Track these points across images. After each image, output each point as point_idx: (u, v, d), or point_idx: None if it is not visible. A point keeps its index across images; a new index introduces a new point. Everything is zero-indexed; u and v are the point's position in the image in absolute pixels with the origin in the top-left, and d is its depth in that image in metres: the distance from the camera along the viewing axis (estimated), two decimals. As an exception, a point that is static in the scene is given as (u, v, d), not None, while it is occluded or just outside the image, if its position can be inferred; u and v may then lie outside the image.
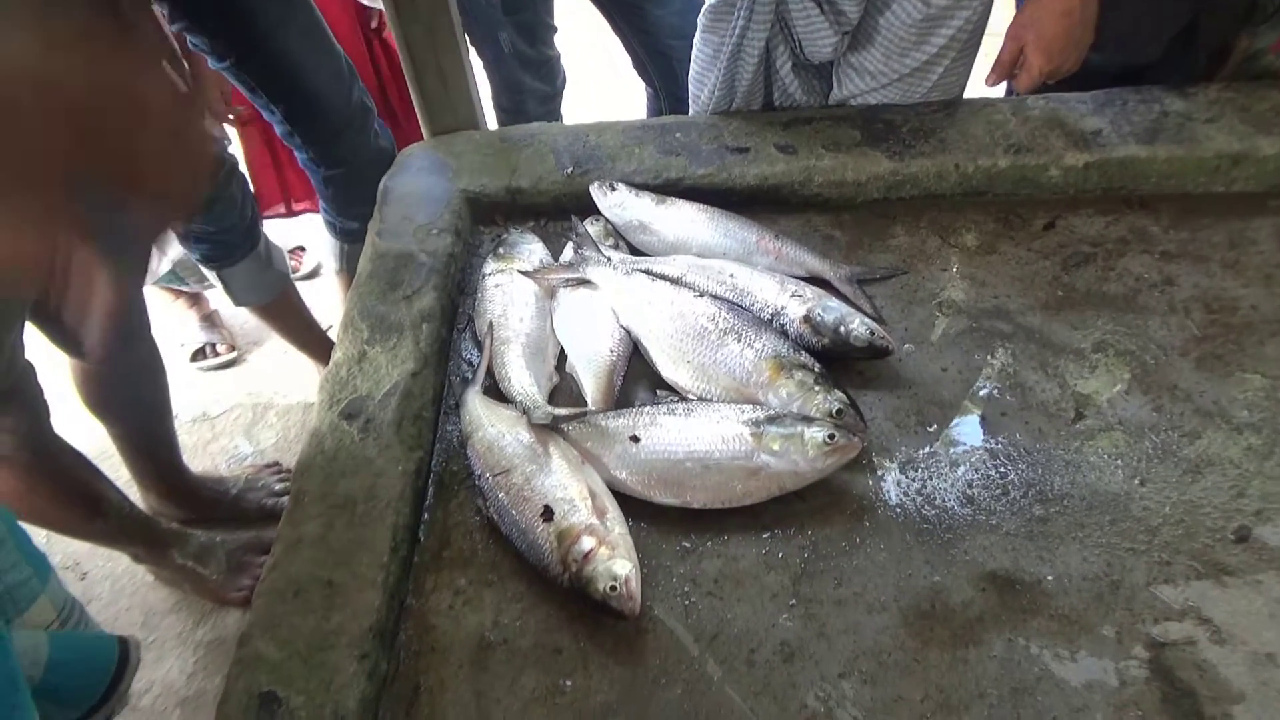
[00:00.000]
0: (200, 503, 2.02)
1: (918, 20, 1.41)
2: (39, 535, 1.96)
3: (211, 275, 1.91)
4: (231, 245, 1.84)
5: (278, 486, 2.08)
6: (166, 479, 1.97)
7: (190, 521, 1.97)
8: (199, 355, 2.60)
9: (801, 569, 1.05)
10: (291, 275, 2.14)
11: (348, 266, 2.02)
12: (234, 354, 2.63)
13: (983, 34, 1.49)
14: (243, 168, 1.94)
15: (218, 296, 2.71)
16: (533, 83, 2.27)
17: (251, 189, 1.92)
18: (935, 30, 1.42)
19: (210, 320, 2.67)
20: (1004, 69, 1.46)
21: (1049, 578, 1.01)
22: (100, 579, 2.00)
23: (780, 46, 1.52)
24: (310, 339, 2.21)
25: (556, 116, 2.44)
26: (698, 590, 1.04)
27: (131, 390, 1.79)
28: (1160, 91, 1.48)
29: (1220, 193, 1.41)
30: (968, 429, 1.16)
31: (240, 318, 2.72)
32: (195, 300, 2.66)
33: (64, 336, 1.59)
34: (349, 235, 1.95)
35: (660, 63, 2.22)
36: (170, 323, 2.53)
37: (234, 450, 2.27)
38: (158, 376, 1.86)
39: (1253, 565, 1.00)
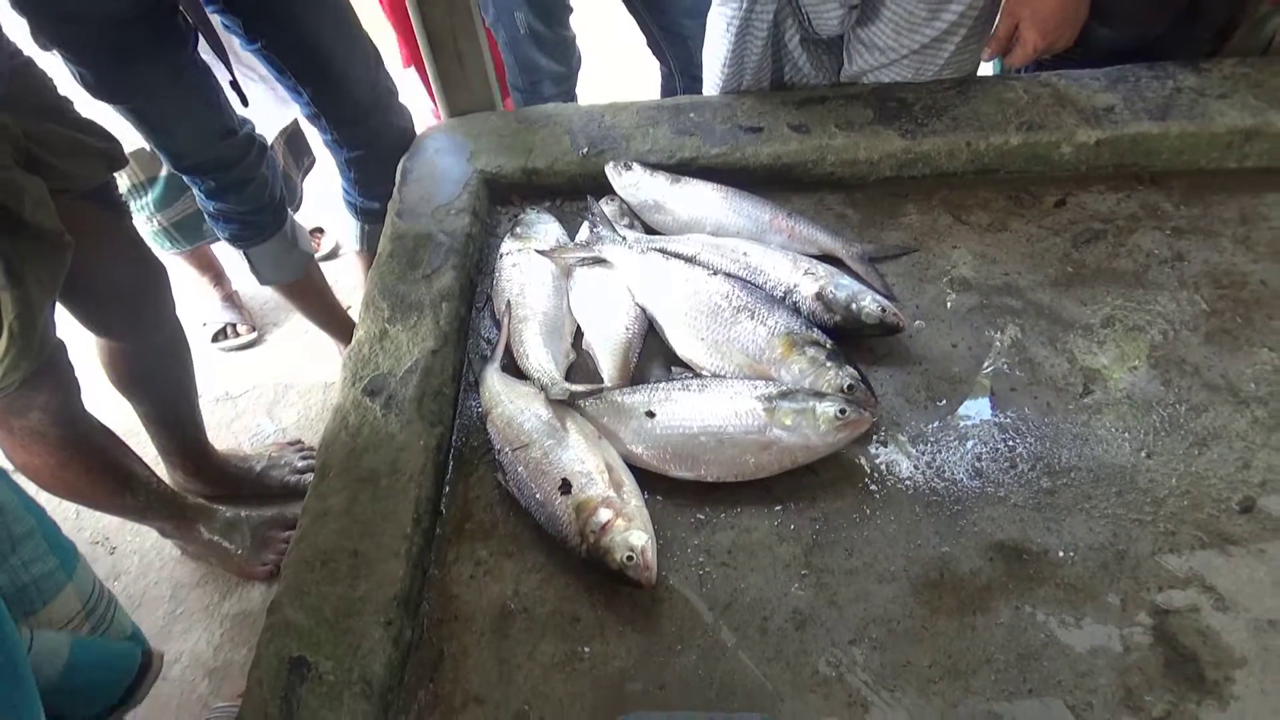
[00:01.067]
0: (225, 479, 2.07)
1: None
2: (69, 510, 2.02)
3: (238, 253, 1.94)
4: (259, 225, 1.87)
5: (300, 464, 2.12)
6: (192, 456, 2.02)
7: (215, 498, 2.01)
8: (220, 336, 2.64)
9: (813, 540, 1.08)
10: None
11: (368, 246, 2.05)
12: (254, 334, 2.67)
13: (997, 12, 1.49)
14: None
15: (239, 275, 2.76)
16: (548, 63, 2.28)
17: (280, 168, 1.94)
18: (946, 6, 1.43)
19: (231, 300, 2.70)
20: (1000, 43, 1.46)
21: (1056, 548, 1.04)
22: (129, 553, 2.05)
23: (789, 21, 1.53)
24: (332, 318, 2.24)
25: (571, 97, 2.45)
26: (712, 561, 1.07)
27: (157, 369, 1.83)
28: (1173, 67, 1.48)
29: (1233, 168, 1.42)
30: (977, 404, 1.18)
31: (261, 298, 2.76)
32: (218, 279, 2.70)
33: (92, 315, 1.63)
34: (369, 215, 1.98)
35: (675, 42, 2.22)
36: (192, 302, 2.56)
37: (256, 428, 2.31)
38: (183, 355, 1.90)
39: (1257, 535, 1.02)
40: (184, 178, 1.78)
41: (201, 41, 1.60)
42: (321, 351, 2.48)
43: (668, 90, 2.48)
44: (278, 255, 1.95)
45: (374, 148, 1.81)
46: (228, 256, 2.66)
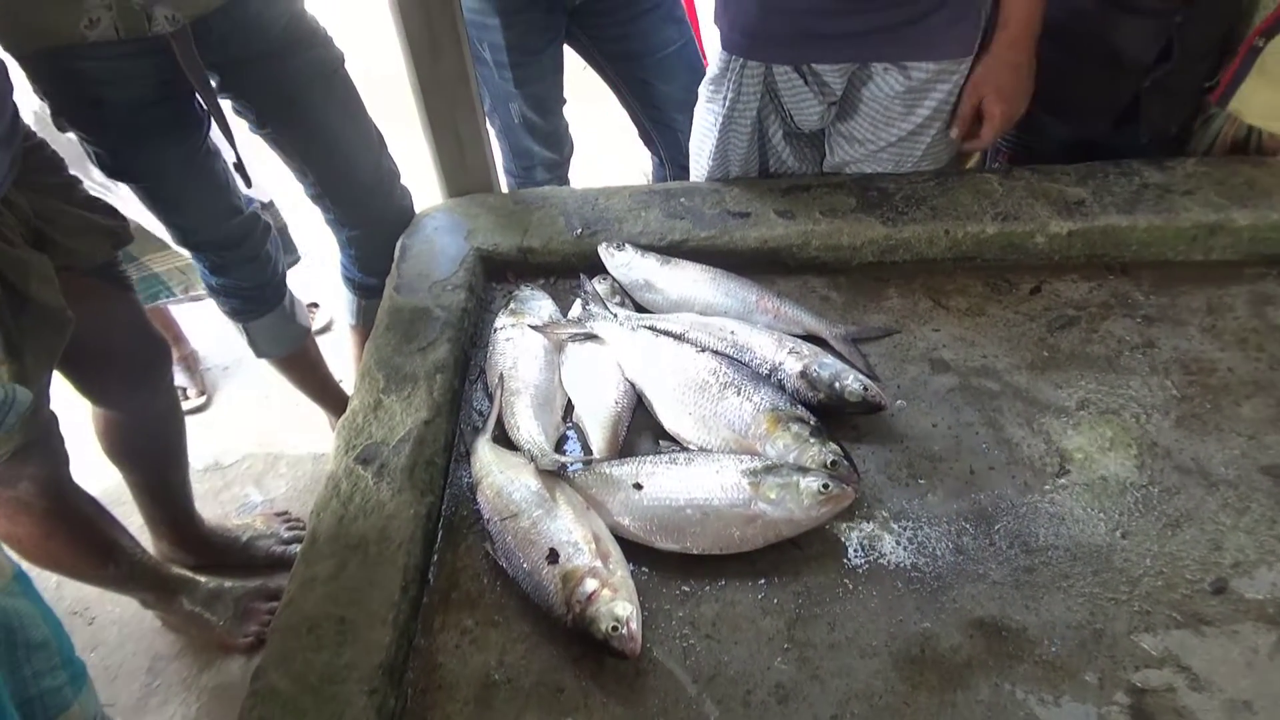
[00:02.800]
0: (210, 549, 2.06)
1: (900, 92, 1.50)
2: (50, 579, 2.00)
3: (237, 327, 1.98)
4: (260, 300, 1.92)
5: (287, 535, 2.12)
6: (179, 526, 2.01)
7: (200, 567, 2.00)
8: None
9: (796, 614, 1.09)
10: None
11: (363, 321, 2.09)
12: (203, 399, 2.69)
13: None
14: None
15: (198, 338, 2.80)
16: (541, 150, 2.37)
17: (282, 245, 2.00)
18: (920, 102, 1.51)
19: (187, 362, 2.72)
20: (966, 122, 1.54)
21: (1034, 625, 1.05)
22: (108, 624, 2.02)
23: (772, 116, 1.61)
24: (325, 390, 2.27)
25: (564, 181, 2.53)
26: (696, 633, 1.08)
27: (151, 438, 1.84)
28: (1139, 164, 1.56)
29: (1199, 260, 1.48)
30: (957, 482, 1.21)
31: (214, 360, 2.80)
32: (176, 340, 2.72)
33: (92, 385, 1.66)
34: (366, 291, 2.03)
35: (665, 134, 2.31)
36: None
37: (244, 499, 2.31)
38: (177, 426, 1.92)
39: (1230, 616, 1.04)
40: (188, 253, 1.83)
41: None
42: (316, 422, 2.49)
43: (660, 178, 2.57)
44: (276, 329, 1.99)
45: (374, 226, 1.87)
46: (187, 319, 2.70)
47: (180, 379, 2.68)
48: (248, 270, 1.86)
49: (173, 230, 1.76)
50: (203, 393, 2.70)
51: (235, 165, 1.73)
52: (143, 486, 1.91)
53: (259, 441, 2.49)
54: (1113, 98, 1.60)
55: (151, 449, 1.86)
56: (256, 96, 1.66)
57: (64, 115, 1.52)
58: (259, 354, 2.06)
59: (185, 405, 2.62)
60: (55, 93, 1.48)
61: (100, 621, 2.03)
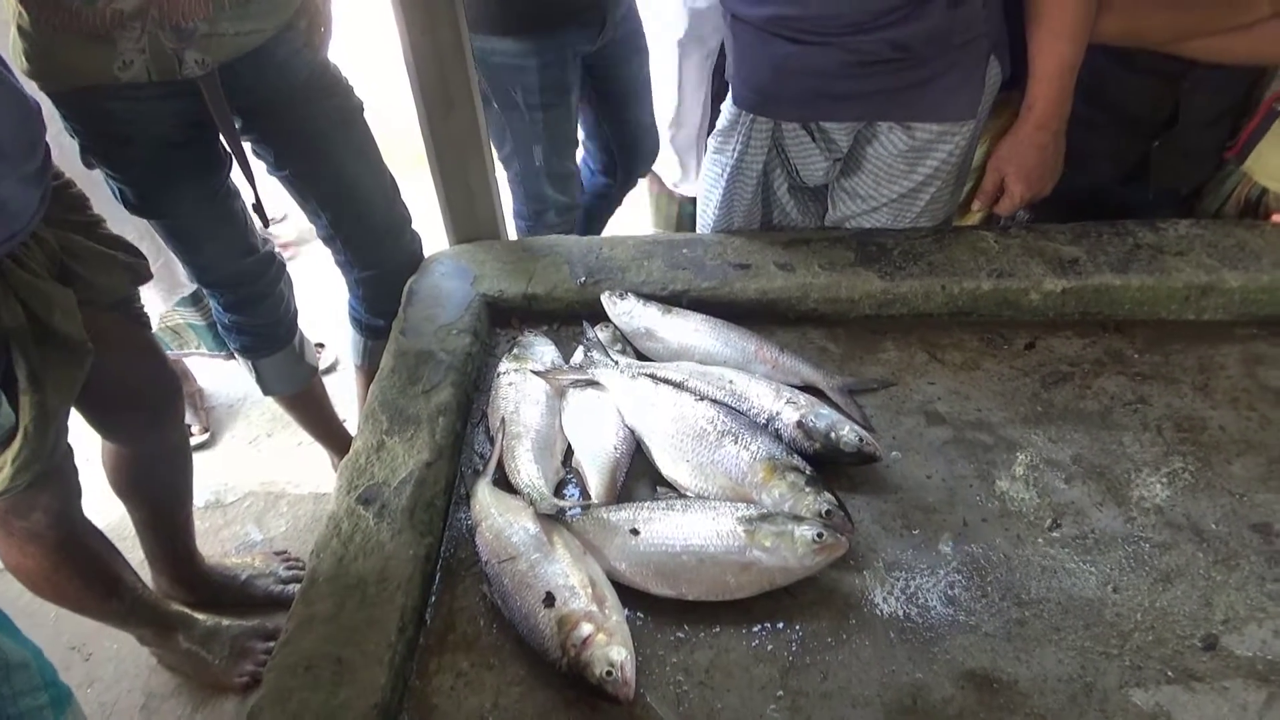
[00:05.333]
0: (209, 587, 2.06)
1: (903, 151, 1.54)
2: (49, 613, 2.01)
3: (246, 364, 2.01)
4: (271, 338, 1.96)
5: (285, 574, 2.12)
6: (179, 563, 2.02)
7: (197, 604, 2.01)
8: None
9: (790, 662, 1.10)
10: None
11: (369, 362, 2.12)
12: (206, 435, 2.70)
13: (969, 167, 1.61)
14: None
15: (204, 376, 2.83)
16: (555, 195, 2.43)
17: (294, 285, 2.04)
18: (921, 160, 1.55)
19: (193, 399, 2.74)
20: (988, 196, 1.59)
21: (1026, 678, 1.06)
22: (104, 660, 2.02)
23: (778, 170, 1.65)
24: (329, 430, 2.29)
25: (573, 227, 2.59)
26: (690, 679, 1.09)
27: (160, 475, 1.86)
28: (1132, 225, 1.59)
29: (1191, 320, 1.51)
30: (951, 533, 1.22)
31: (219, 398, 2.84)
32: (182, 377, 2.74)
33: (105, 421, 1.68)
34: (374, 332, 2.06)
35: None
36: None
37: (244, 537, 2.32)
38: (185, 463, 1.94)
39: (1219, 672, 1.05)
40: (204, 290, 1.87)
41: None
42: (318, 461, 2.51)
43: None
44: (285, 367, 2.03)
45: (384, 269, 1.90)
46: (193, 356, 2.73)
47: (185, 415, 2.70)
48: (261, 308, 1.90)
49: (191, 267, 1.80)
50: (206, 429, 2.72)
51: (254, 205, 1.77)
52: (147, 523, 1.92)
53: (261, 480, 2.51)
54: (1121, 152, 1.64)
55: (159, 486, 1.88)
56: (278, 139, 1.71)
57: (92, 152, 1.57)
58: (266, 391, 2.09)
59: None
60: (85, 130, 1.54)
61: (97, 658, 2.03)
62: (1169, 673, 1.06)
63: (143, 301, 1.67)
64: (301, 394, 2.14)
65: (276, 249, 1.92)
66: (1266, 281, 1.47)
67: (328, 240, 1.91)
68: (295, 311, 2.03)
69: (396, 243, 1.92)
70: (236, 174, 1.75)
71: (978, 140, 1.59)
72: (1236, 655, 1.06)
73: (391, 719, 1.07)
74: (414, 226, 1.98)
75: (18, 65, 1.46)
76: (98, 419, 1.66)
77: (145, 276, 1.55)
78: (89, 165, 1.59)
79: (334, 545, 1.21)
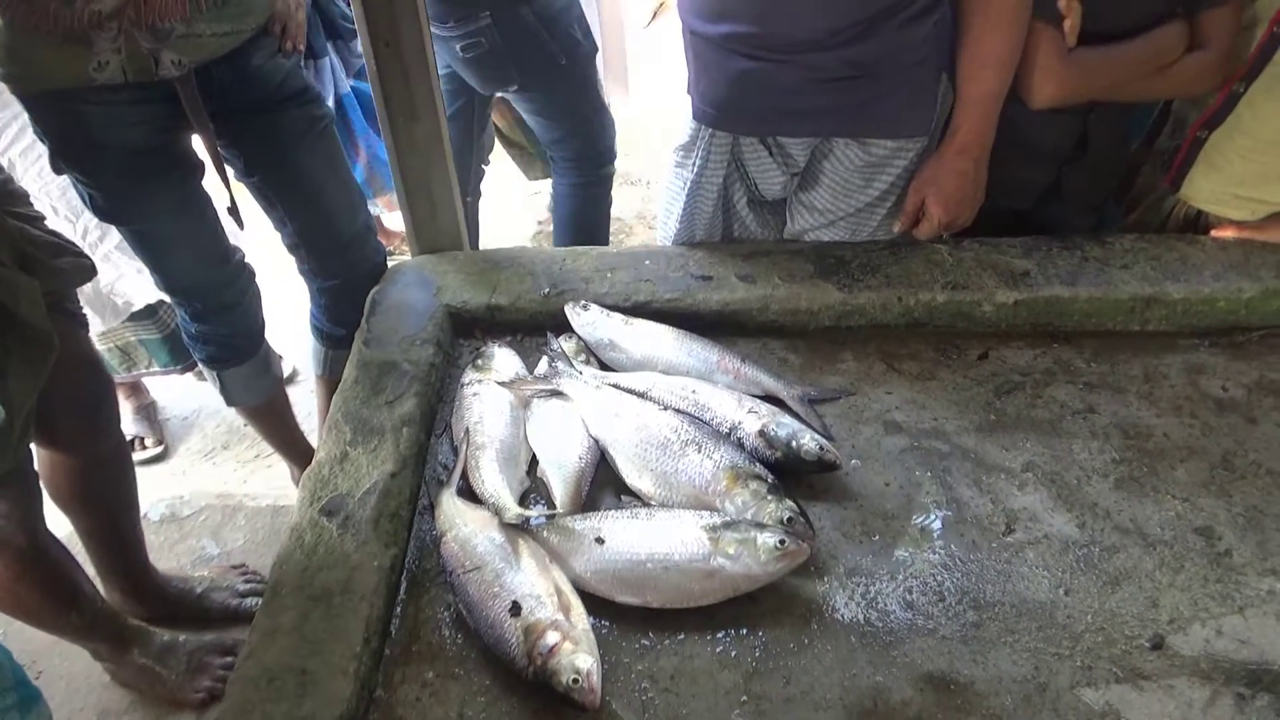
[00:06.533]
0: (164, 600, 2.02)
1: (859, 166, 1.58)
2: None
3: (210, 375, 1.99)
4: (237, 349, 1.94)
5: (243, 588, 2.09)
6: (131, 576, 1.98)
7: (153, 619, 1.97)
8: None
9: (753, 668, 1.12)
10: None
11: (329, 372, 2.11)
12: (160, 448, 2.67)
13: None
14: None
15: (157, 389, 2.78)
16: None
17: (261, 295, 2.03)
18: (877, 175, 1.59)
19: (145, 412, 2.71)
20: (909, 218, 1.62)
21: (982, 679, 1.09)
22: (55, 678, 1.97)
23: (737, 184, 1.68)
24: (290, 441, 2.26)
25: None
26: (655, 686, 1.10)
27: (101, 483, 1.82)
28: (1081, 239, 1.64)
29: (1136, 331, 1.56)
30: (909, 539, 1.25)
31: (173, 411, 2.80)
32: (134, 390, 2.71)
33: (42, 426, 1.64)
34: (335, 342, 2.05)
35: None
36: None
37: (201, 550, 2.28)
38: (126, 470, 1.90)
39: (1166, 670, 1.09)
40: (170, 299, 1.84)
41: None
42: (276, 474, 2.49)
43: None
44: (251, 378, 2.01)
45: (347, 279, 1.90)
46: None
47: (138, 428, 2.66)
48: (229, 318, 1.89)
49: (159, 275, 1.78)
50: (160, 442, 2.67)
51: (230, 209, 1.75)
52: (92, 533, 1.88)
53: (218, 493, 2.47)
54: (1029, 183, 1.69)
55: (100, 494, 1.84)
56: (248, 145, 1.70)
57: (63, 157, 1.54)
58: (230, 402, 2.07)
59: (142, 455, 2.61)
60: (57, 134, 1.52)
61: (48, 675, 1.98)
62: (1118, 672, 1.09)
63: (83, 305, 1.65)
64: (265, 405, 2.11)
65: (246, 259, 1.90)
66: (1207, 294, 1.53)
67: (292, 248, 1.90)
68: (263, 322, 2.02)
69: (360, 252, 1.91)
70: (208, 181, 1.73)
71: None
72: (1182, 655, 1.10)
73: (357, 731, 1.07)
74: (377, 237, 1.98)
75: None
76: (35, 423, 1.63)
77: (91, 272, 1.53)
78: (58, 170, 1.57)
79: (297, 556, 1.21)
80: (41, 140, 1.54)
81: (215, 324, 1.88)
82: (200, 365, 1.99)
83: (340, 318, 1.99)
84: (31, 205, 1.48)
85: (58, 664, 1.98)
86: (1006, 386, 1.47)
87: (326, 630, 1.12)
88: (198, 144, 1.70)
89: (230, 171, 1.76)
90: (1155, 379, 1.48)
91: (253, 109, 1.65)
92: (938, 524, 1.27)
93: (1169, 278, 1.55)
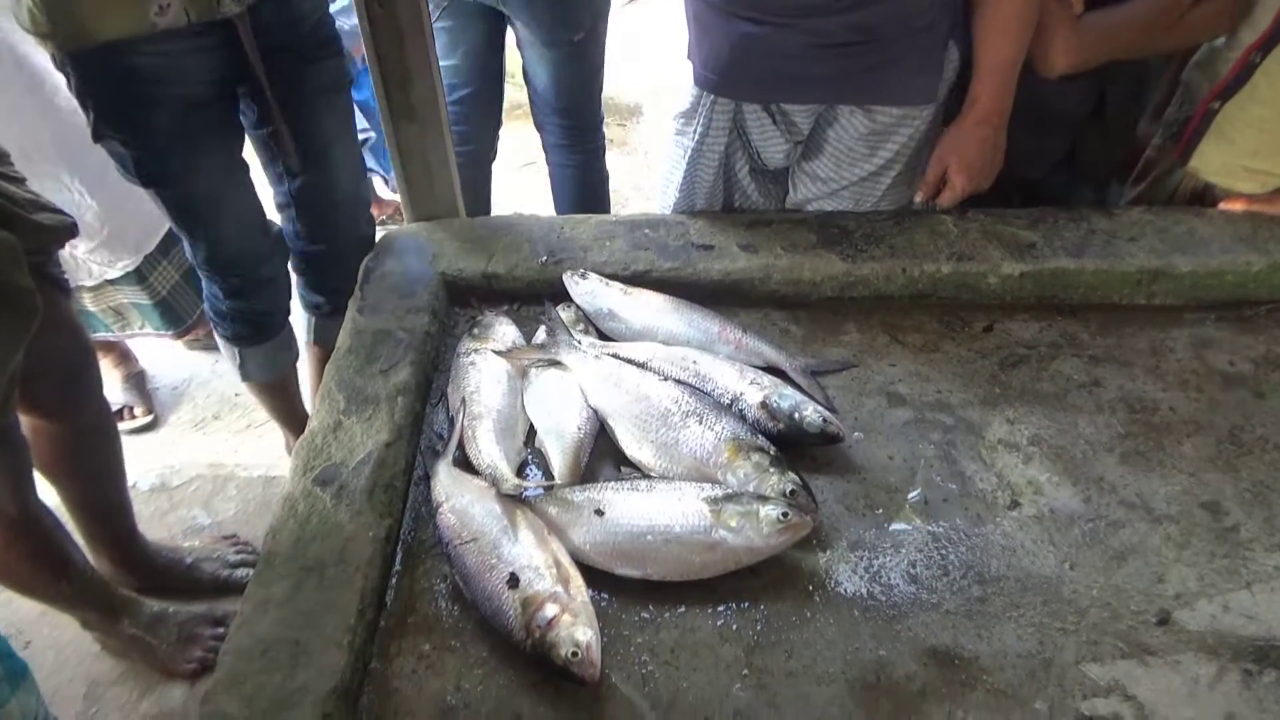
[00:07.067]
0: (154, 571, 2.00)
1: (864, 134, 1.54)
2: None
3: (230, 351, 1.94)
4: (266, 327, 1.90)
5: (234, 558, 2.07)
6: (120, 545, 1.95)
7: (142, 590, 1.94)
8: (116, 417, 2.55)
9: (754, 641, 1.10)
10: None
11: (318, 339, 2.08)
12: (150, 418, 2.63)
13: (928, 152, 1.62)
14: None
15: (146, 358, 2.75)
16: None
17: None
18: (882, 144, 1.56)
19: (134, 381, 2.67)
20: (930, 188, 1.60)
21: (986, 654, 1.08)
22: (44, 647, 1.95)
23: (739, 152, 1.65)
24: (291, 412, 2.22)
25: None
26: (655, 659, 1.09)
27: (85, 450, 1.79)
28: (1088, 211, 1.62)
29: (1142, 304, 1.54)
30: (912, 513, 1.23)
31: (163, 380, 2.76)
32: (123, 358, 2.67)
33: (23, 391, 1.61)
34: (316, 309, 2.02)
35: None
36: None
37: (191, 521, 2.25)
38: (111, 437, 1.87)
39: (1173, 646, 1.07)
40: (208, 274, 1.79)
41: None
42: (268, 443, 2.46)
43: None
44: (270, 356, 1.98)
45: (334, 246, 1.86)
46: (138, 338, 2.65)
47: (127, 397, 2.62)
48: (264, 294, 1.85)
49: (202, 244, 1.72)
50: (150, 412, 2.63)
51: (280, 144, 1.69)
52: (78, 502, 1.85)
53: (208, 463, 2.44)
54: (1050, 148, 1.67)
55: (84, 462, 1.81)
56: (275, 89, 1.64)
57: (111, 118, 1.49)
58: (244, 377, 2.03)
59: (132, 424, 2.57)
60: (104, 94, 1.46)
61: (36, 645, 1.96)
62: (1124, 647, 1.08)
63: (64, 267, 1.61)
64: (277, 379, 2.08)
65: (278, 231, 1.86)
66: (1215, 267, 1.50)
67: (282, 207, 1.85)
68: (290, 296, 1.98)
69: (352, 219, 1.87)
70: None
71: (935, 129, 1.60)
72: (1189, 630, 1.09)
73: (351, 703, 1.05)
74: (371, 210, 1.95)
75: (26, 26, 1.39)
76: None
77: (71, 232, 1.48)
78: (99, 137, 1.52)
79: (290, 526, 1.18)
80: (84, 106, 1.48)
81: (250, 300, 1.83)
82: (221, 341, 1.94)
83: (321, 285, 1.96)
84: (12, 165, 1.43)
85: (46, 633, 1.97)
86: (1012, 359, 1.45)
87: (320, 601, 1.10)
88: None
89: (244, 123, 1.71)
90: (1162, 353, 1.46)
91: (286, 52, 1.60)
92: (942, 497, 1.25)
93: (1176, 250, 1.53)
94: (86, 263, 2.24)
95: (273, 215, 1.91)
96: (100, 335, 2.49)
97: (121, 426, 2.55)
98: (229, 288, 1.82)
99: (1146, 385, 1.40)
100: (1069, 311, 1.54)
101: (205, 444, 2.53)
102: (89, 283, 2.30)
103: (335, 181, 1.79)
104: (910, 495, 1.26)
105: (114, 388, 2.61)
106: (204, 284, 1.86)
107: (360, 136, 3.09)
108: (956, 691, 1.04)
